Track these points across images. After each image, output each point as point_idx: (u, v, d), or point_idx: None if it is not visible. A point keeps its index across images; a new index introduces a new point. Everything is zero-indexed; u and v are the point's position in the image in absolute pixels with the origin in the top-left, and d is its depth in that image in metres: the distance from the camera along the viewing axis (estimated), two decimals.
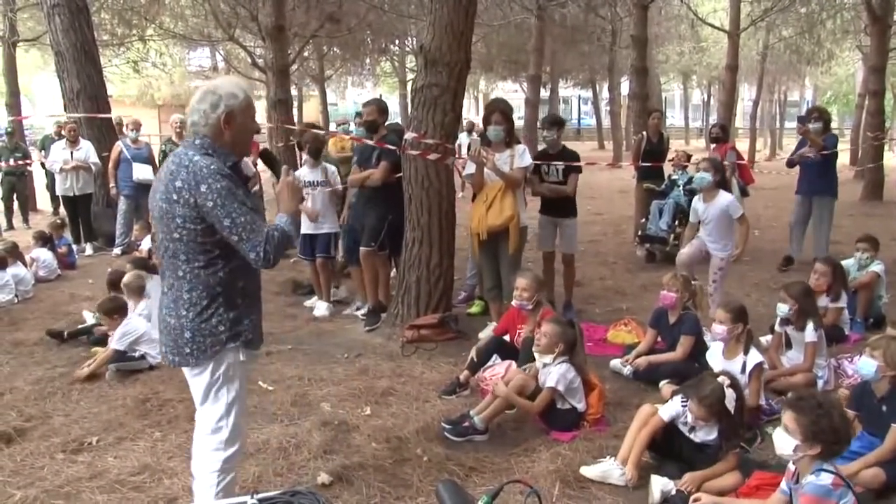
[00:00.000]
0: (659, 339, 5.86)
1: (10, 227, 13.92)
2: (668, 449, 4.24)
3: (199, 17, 18.97)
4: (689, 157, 10.67)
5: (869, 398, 4.23)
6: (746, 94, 41.72)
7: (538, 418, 4.78)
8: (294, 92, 21.93)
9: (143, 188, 9.82)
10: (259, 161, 4.47)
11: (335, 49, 23.13)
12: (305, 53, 18.82)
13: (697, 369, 5.07)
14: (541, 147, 7.55)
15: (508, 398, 4.69)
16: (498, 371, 5.32)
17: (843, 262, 6.94)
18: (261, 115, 24.37)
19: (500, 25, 20.81)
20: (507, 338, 5.76)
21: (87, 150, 11.12)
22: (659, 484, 3.91)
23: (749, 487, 3.85)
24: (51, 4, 11.30)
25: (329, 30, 16.67)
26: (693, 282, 6.05)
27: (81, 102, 11.55)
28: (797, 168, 9.36)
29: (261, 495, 2.16)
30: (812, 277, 6.33)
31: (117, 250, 10.93)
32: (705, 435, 4.13)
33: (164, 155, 10.73)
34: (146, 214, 10.79)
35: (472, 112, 41.20)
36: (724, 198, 6.69)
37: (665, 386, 5.21)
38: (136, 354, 6.08)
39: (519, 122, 8.21)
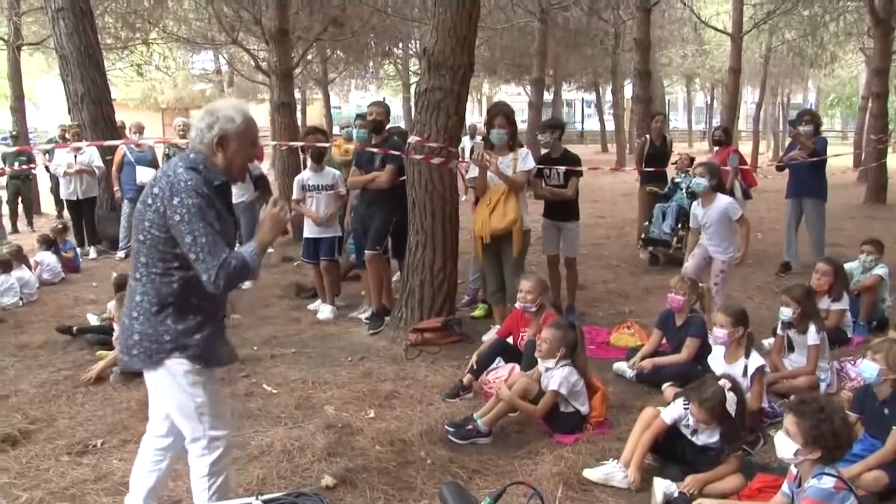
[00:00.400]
0: (664, 340, 5.87)
1: (15, 230, 13.96)
2: (671, 451, 4.25)
3: (202, 21, 18.99)
4: (692, 160, 10.66)
5: (871, 401, 4.23)
6: (749, 96, 41.72)
7: (541, 421, 4.80)
8: (298, 95, 21.97)
9: None
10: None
11: (339, 52, 23.16)
12: (309, 57, 18.85)
13: (700, 372, 5.07)
14: (544, 151, 7.55)
15: (511, 402, 4.70)
16: (501, 374, 5.34)
17: (847, 265, 6.95)
18: (264, 119, 24.46)
19: (504, 29, 20.83)
20: (510, 340, 5.77)
21: (90, 154, 11.15)
22: (661, 486, 3.92)
23: (751, 490, 3.86)
24: (55, 8, 11.34)
25: (332, 33, 16.67)
26: (700, 284, 6.06)
27: (85, 106, 11.59)
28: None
29: (265, 497, 2.18)
30: (814, 277, 6.34)
31: (121, 253, 10.96)
32: (707, 437, 4.15)
33: (168, 158, 10.76)
34: None
35: (475, 115, 41.22)
36: (722, 200, 6.70)
37: (668, 388, 5.23)
38: None
39: (522, 126, 8.21)
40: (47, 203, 16.30)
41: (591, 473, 4.13)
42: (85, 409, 5.35)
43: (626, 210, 14.64)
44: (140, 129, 11.29)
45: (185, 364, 3.18)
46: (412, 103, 8.11)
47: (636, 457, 4.11)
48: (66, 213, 12.74)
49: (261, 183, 10.24)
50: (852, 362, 5.64)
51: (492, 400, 4.86)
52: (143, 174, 10.65)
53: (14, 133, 14.43)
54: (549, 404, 4.71)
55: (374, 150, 7.17)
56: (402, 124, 26.08)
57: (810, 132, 8.96)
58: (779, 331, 5.77)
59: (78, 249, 10.74)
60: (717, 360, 5.00)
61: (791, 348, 5.66)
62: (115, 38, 18.60)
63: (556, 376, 4.73)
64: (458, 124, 6.79)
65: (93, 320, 7.29)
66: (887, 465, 3.88)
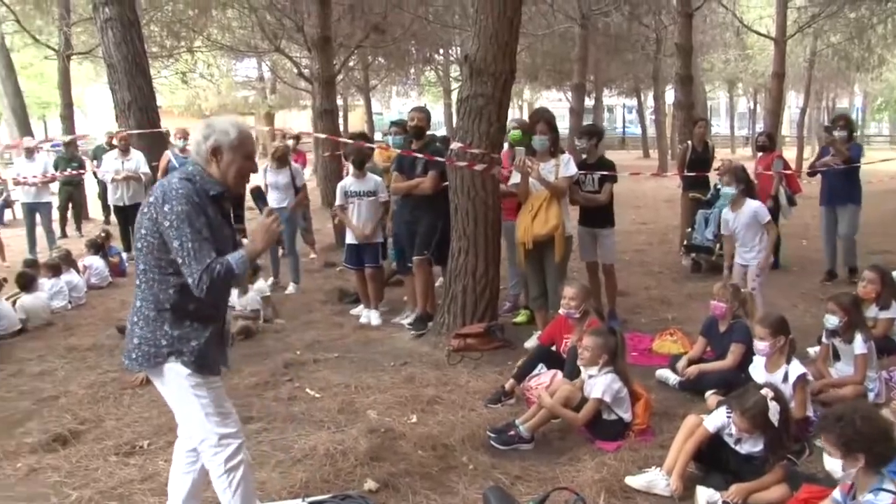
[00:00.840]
0: (708, 348, 5.81)
1: (64, 235, 14.25)
2: (714, 460, 4.20)
3: (245, 29, 19.27)
4: None
5: None
6: (793, 101, 41.13)
7: (583, 428, 4.78)
8: (339, 102, 22.14)
9: None
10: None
11: (380, 59, 23.32)
12: (351, 63, 19.03)
13: (743, 380, 5.02)
14: (582, 157, 7.53)
15: (553, 410, 4.69)
16: (543, 380, 5.31)
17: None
18: (307, 125, 24.62)
19: (545, 35, 20.79)
20: (552, 347, 5.76)
21: (137, 161, 11.35)
22: (705, 495, 3.88)
23: (797, 501, 3.78)
24: (104, 18, 11.56)
25: (374, 40, 16.82)
26: (742, 290, 6.00)
27: (132, 113, 11.80)
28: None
29: (312, 499, 2.20)
30: (860, 285, 6.23)
31: None
32: (751, 446, 4.09)
33: None
34: None
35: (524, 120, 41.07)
36: (751, 205, 6.70)
37: (711, 396, 5.18)
38: None
39: (564, 132, 8.20)
40: (94, 209, 16.63)
41: (633, 481, 4.10)
42: (132, 411, 5.45)
43: (669, 216, 14.52)
44: (185, 135, 11.46)
45: (182, 368, 3.25)
46: (453, 109, 8.13)
47: (679, 465, 4.08)
48: (112, 218, 12.98)
49: (255, 194, 10.32)
50: None
51: (534, 406, 4.85)
52: None
53: (67, 140, 14.77)
54: (592, 412, 4.69)
55: (418, 154, 7.20)
56: (443, 131, 26.15)
57: (845, 138, 8.79)
58: (824, 339, 5.68)
59: (124, 254, 10.93)
60: (758, 369, 4.93)
61: (837, 357, 5.57)
62: (160, 46, 18.92)
63: (600, 384, 4.71)
64: (499, 131, 6.79)
65: None
66: None
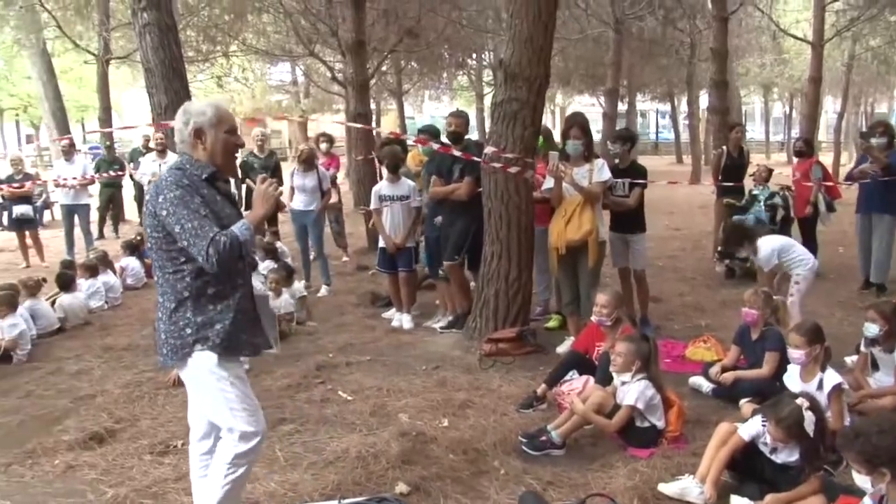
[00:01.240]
0: (742, 356, 5.75)
1: (101, 236, 14.48)
2: (749, 468, 4.15)
3: (280, 34, 19.42)
4: (770, 171, 10.44)
5: None
6: (830, 106, 40.58)
7: (616, 435, 4.75)
8: (372, 105, 22.26)
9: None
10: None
11: (413, 63, 23.38)
12: (384, 68, 19.09)
13: (778, 388, 4.96)
14: (614, 161, 7.49)
15: (586, 416, 4.67)
16: (575, 386, 5.30)
17: None
18: (340, 129, 24.79)
19: (578, 39, 20.72)
20: (585, 353, 5.74)
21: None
22: None
23: None
24: (142, 24, 11.67)
25: (407, 44, 16.87)
26: (775, 298, 5.93)
27: (169, 117, 11.92)
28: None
29: (348, 501, 2.21)
30: None
31: None
32: (787, 456, 4.04)
33: (246, 166, 11.01)
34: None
35: (548, 125, 40.97)
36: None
37: (745, 404, 5.13)
38: None
39: (596, 137, 8.15)
40: (131, 210, 16.86)
41: (666, 488, 4.07)
42: (166, 411, 5.52)
43: (702, 222, 14.39)
44: None
45: (209, 358, 3.28)
46: (485, 114, 8.14)
47: (712, 472, 4.03)
48: None
49: (246, 168, 10.54)
50: None
51: (566, 412, 4.83)
52: None
53: (108, 143, 15.03)
54: (625, 419, 4.66)
55: (457, 153, 7.20)
56: (476, 135, 26.13)
57: (884, 145, 8.61)
58: (862, 348, 5.58)
59: None
60: (792, 378, 4.87)
61: (875, 366, 5.47)
62: (196, 51, 19.12)
63: (633, 390, 4.68)
64: (533, 135, 6.79)
65: None
66: None
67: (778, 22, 22.73)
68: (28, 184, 12.18)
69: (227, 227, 3.22)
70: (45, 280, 8.45)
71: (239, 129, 3.51)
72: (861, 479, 3.21)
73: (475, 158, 7.05)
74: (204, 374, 3.31)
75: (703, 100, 33.25)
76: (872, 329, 5.31)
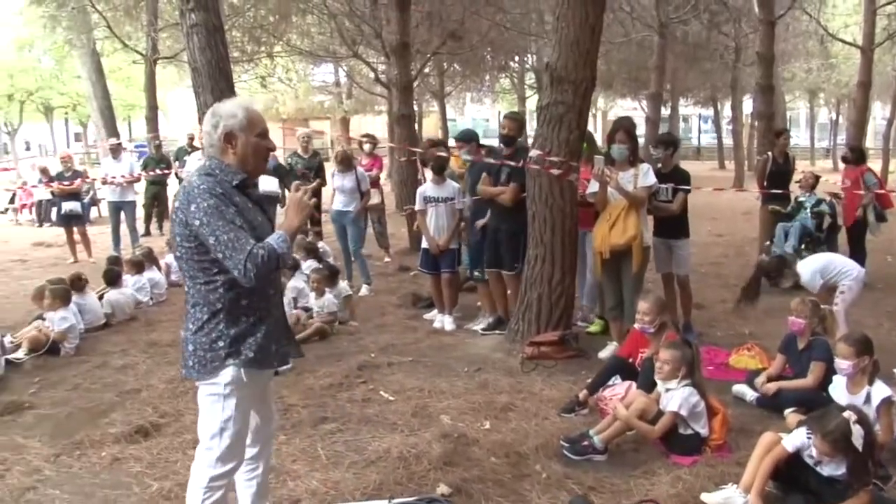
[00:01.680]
0: (787, 365, 5.67)
1: (147, 233, 14.70)
2: (794, 480, 4.08)
3: (324, 35, 19.55)
4: (817, 178, 10.29)
5: None
6: (879, 112, 39.80)
7: (658, 441, 4.71)
8: (414, 107, 22.35)
9: (269, 199, 10.16)
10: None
11: (455, 65, 23.41)
12: (426, 70, 19.15)
13: (824, 399, 4.88)
14: (657, 166, 7.43)
15: (629, 422, 4.64)
16: (618, 391, 5.27)
17: None
18: (382, 131, 24.87)
19: (621, 43, 20.59)
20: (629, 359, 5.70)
21: None
22: None
23: None
24: (190, 24, 11.83)
25: (451, 47, 16.89)
26: (822, 307, 5.83)
27: None
28: None
29: (397, 500, 2.21)
30: None
31: None
32: (833, 469, 3.95)
33: (290, 168, 11.12)
34: (274, 225, 11.19)
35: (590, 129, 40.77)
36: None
37: (790, 415, 5.05)
38: None
39: (640, 141, 8.09)
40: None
41: (709, 497, 4.02)
42: None
43: (746, 229, 14.21)
44: None
45: (234, 374, 3.16)
46: (527, 117, 8.13)
47: (757, 483, 3.97)
48: None
49: (279, 173, 10.46)
50: None
51: (608, 418, 4.80)
52: (266, 182, 10.95)
53: (157, 143, 15.29)
54: (668, 425, 4.62)
55: (491, 161, 7.21)
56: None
57: None
58: None
59: None
60: (839, 390, 4.78)
61: None
62: (241, 51, 19.34)
63: (676, 397, 4.64)
64: (579, 139, 6.77)
65: None
66: None
67: (826, 26, 22.35)
68: (77, 181, 12.42)
69: (259, 236, 3.10)
70: (87, 280, 8.53)
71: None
72: None
73: (509, 162, 7.05)
74: (226, 389, 3.17)
75: (747, 104, 32.85)
76: None
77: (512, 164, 7.04)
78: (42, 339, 6.91)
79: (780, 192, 10.09)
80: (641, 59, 23.39)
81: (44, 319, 7.18)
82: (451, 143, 12.16)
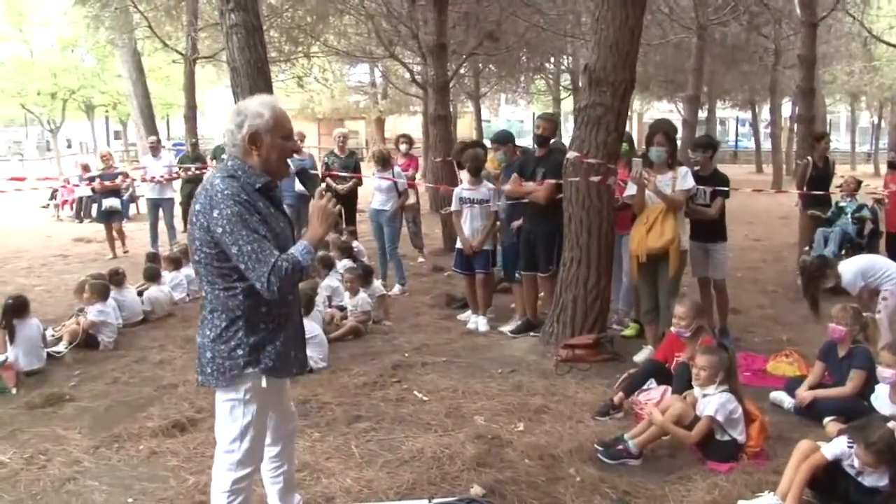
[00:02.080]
0: (826, 373, 5.58)
1: (185, 230, 14.85)
2: (832, 489, 4.02)
3: (361, 36, 19.63)
4: (858, 183, 10.13)
5: None
6: None
7: (694, 447, 4.67)
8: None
9: (305, 198, 10.28)
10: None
11: (491, 66, 23.37)
12: (462, 70, 19.15)
13: (865, 408, 4.80)
14: (694, 169, 7.36)
15: (665, 427, 4.61)
16: (653, 396, 5.23)
17: None
18: (417, 132, 24.92)
19: (659, 44, 20.40)
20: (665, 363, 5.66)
21: None
22: None
23: None
24: (230, 24, 11.95)
25: (487, 48, 16.86)
26: (864, 314, 5.73)
27: None
28: None
29: (437, 500, 2.21)
30: None
31: None
32: (876, 480, 3.89)
33: (327, 167, 11.19)
34: (306, 223, 11.28)
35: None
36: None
37: (830, 423, 4.97)
38: None
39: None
40: None
41: None
42: None
43: (784, 234, 14.04)
44: (301, 138, 11.78)
45: (252, 380, 3.13)
46: (562, 119, 8.08)
47: (794, 490, 3.92)
48: None
49: (304, 177, 10.51)
50: None
51: (644, 422, 4.77)
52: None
53: (193, 141, 15.46)
54: (704, 431, 4.57)
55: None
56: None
57: None
58: None
59: None
60: (881, 400, 4.71)
61: None
62: (279, 51, 19.46)
63: (713, 402, 4.59)
64: (616, 141, 6.73)
65: None
66: None
67: (870, 28, 21.98)
68: (118, 178, 12.62)
69: (282, 244, 3.04)
70: (124, 274, 8.65)
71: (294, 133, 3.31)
72: None
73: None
74: (247, 394, 3.14)
75: (786, 108, 32.44)
76: None
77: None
78: (79, 332, 7.02)
79: (821, 193, 9.94)
80: (679, 60, 23.18)
81: (84, 312, 7.31)
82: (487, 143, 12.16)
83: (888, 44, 21.13)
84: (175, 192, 13.22)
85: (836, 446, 4.00)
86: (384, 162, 9.71)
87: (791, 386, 5.62)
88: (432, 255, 11.79)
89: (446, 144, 12.30)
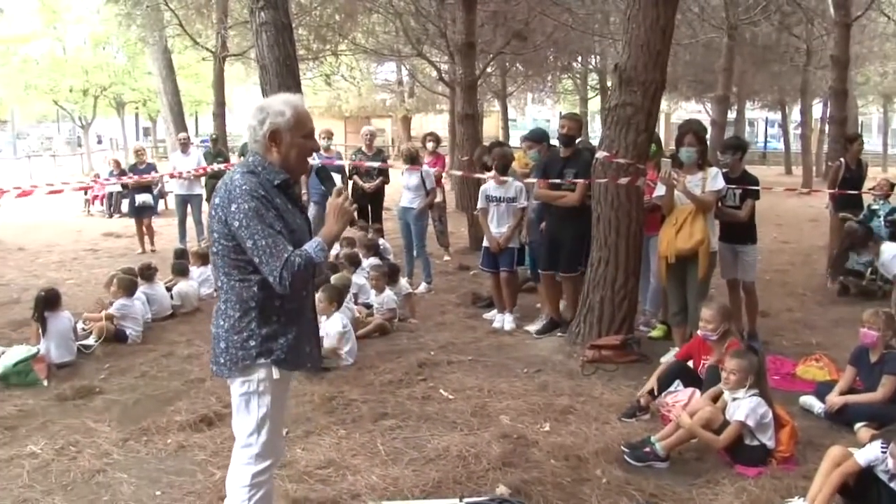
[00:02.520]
0: (857, 378, 5.51)
1: None
2: (864, 496, 3.96)
3: (389, 34, 19.69)
4: (892, 185, 9.98)
5: None
6: None
7: (722, 451, 4.63)
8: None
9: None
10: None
11: (518, 65, 23.32)
12: (489, 69, 19.14)
13: None
14: (723, 170, 7.28)
15: (693, 431, 4.57)
16: (680, 398, 5.19)
17: None
18: (443, 130, 24.93)
19: (688, 44, 20.25)
20: (689, 364, 5.62)
21: None
22: None
23: None
24: (259, 22, 12.03)
25: (515, 47, 16.83)
26: None
27: None
28: None
29: (469, 499, 2.21)
30: None
31: None
32: None
33: (322, 171, 11.20)
34: None
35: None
36: None
37: (862, 429, 4.91)
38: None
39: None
40: None
41: None
42: None
43: (813, 236, 13.89)
44: (329, 136, 11.82)
45: (265, 371, 3.15)
46: (588, 118, 8.03)
47: (822, 495, 3.87)
48: None
49: (322, 175, 10.51)
50: None
51: (671, 425, 4.72)
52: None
53: (214, 136, 15.53)
54: (734, 436, 4.52)
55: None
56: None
57: None
58: None
59: None
60: None
61: None
62: (307, 49, 19.55)
63: (744, 406, 4.54)
64: (646, 141, 6.69)
65: None
66: None
67: None
68: (152, 173, 12.75)
69: (298, 240, 3.07)
70: (156, 269, 8.74)
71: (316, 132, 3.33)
72: None
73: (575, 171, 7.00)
74: (261, 385, 3.16)
75: (817, 109, 32.06)
76: None
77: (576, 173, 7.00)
78: (105, 329, 7.09)
79: (853, 192, 9.81)
80: (708, 60, 23.00)
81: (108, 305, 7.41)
82: (515, 143, 12.14)
83: None
84: (203, 189, 13.32)
85: (870, 452, 3.93)
86: (412, 160, 9.74)
87: (821, 390, 5.55)
88: (458, 254, 11.79)
89: (473, 143, 12.30)
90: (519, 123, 41.86)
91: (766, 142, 50.87)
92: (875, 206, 9.65)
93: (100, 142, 45.05)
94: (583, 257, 7.11)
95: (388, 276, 7.99)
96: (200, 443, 4.86)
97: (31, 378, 6.04)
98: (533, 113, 46.66)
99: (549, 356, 6.74)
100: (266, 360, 3.14)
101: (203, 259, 9.23)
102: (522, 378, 6.11)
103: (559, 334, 7.33)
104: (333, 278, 7.42)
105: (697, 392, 5.14)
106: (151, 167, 13.15)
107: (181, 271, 8.66)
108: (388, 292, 7.81)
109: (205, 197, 15.00)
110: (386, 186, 11.34)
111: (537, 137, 7.92)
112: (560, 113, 34.22)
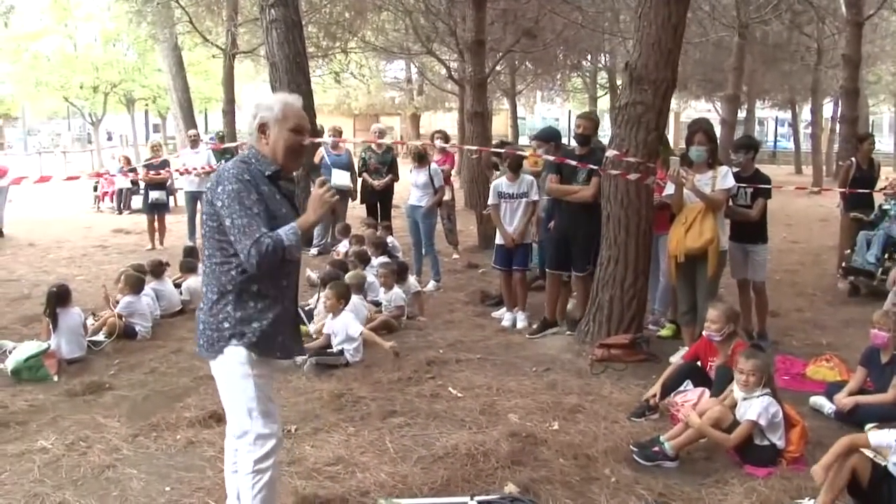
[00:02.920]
0: (868, 379, 5.49)
1: None
2: (876, 497, 3.93)
3: (398, 32, 19.69)
4: None
5: None
6: None
7: (732, 451, 4.62)
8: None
9: (341, 193, 10.32)
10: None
11: (528, 64, 23.28)
12: (498, 68, 19.13)
13: None
14: (734, 170, 7.25)
15: (702, 430, 4.56)
16: (689, 398, 5.17)
17: None
18: (452, 128, 24.90)
19: (698, 43, 20.17)
20: (698, 362, 5.61)
21: None
22: None
23: None
24: (269, 20, 12.09)
25: (524, 45, 16.80)
26: None
27: None
28: None
29: (480, 497, 2.21)
30: None
31: (314, 251, 11.51)
32: None
33: (364, 162, 11.23)
34: (344, 218, 11.33)
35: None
36: None
37: (872, 430, 4.87)
38: (335, 350, 6.41)
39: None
40: None
41: None
42: (280, 396, 5.61)
43: (823, 236, 13.83)
44: (338, 133, 11.82)
45: (240, 354, 3.23)
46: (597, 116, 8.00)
47: (831, 484, 3.81)
48: None
49: (310, 168, 10.63)
50: None
51: (680, 425, 4.71)
52: (338, 177, 11.14)
53: (221, 134, 15.56)
54: (744, 435, 4.51)
55: (571, 162, 7.14)
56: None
57: None
58: None
59: None
60: None
61: None
62: (316, 46, 19.58)
63: (756, 406, 4.52)
64: (657, 140, 6.67)
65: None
66: None
67: None
68: (166, 170, 12.81)
69: (280, 227, 3.18)
70: (168, 264, 8.77)
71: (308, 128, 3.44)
72: None
73: (591, 166, 6.96)
74: (233, 368, 3.26)
75: (828, 108, 31.93)
76: None
77: (592, 166, 6.96)
78: (117, 325, 7.11)
79: (864, 192, 9.75)
80: (718, 59, 22.89)
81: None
82: (525, 141, 12.10)
83: None
84: None
85: (883, 436, 3.88)
86: (421, 158, 9.75)
87: (831, 391, 5.53)
88: (467, 252, 11.78)
89: (482, 141, 12.28)
90: (528, 122, 41.81)
91: (776, 141, 50.62)
92: (886, 206, 9.59)
93: (110, 139, 45.13)
94: (592, 256, 7.09)
95: (396, 273, 7.99)
96: (210, 439, 4.86)
97: (41, 373, 6.06)
98: (542, 111, 46.62)
99: (557, 355, 6.73)
100: (238, 342, 3.23)
101: None
102: (531, 376, 6.11)
103: (553, 332, 7.32)
104: (348, 276, 7.45)
105: (707, 392, 5.13)
106: (165, 163, 13.18)
107: (190, 269, 8.68)
108: (397, 290, 7.82)
109: None
110: (395, 184, 11.35)
111: (547, 136, 7.93)
112: (570, 111, 34.21)
